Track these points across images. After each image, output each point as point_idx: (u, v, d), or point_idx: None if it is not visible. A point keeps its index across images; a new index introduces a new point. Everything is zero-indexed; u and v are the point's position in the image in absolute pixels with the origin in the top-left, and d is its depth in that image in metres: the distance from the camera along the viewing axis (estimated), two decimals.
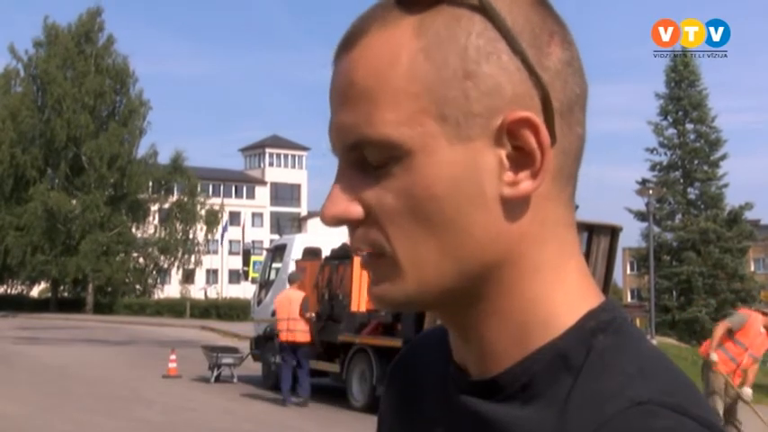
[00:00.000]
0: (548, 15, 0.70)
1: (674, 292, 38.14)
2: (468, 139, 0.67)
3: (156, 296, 55.40)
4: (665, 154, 39.69)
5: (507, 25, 0.67)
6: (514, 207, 0.68)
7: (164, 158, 56.37)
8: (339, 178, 0.71)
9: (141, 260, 55.61)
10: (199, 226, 55.95)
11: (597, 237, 12.03)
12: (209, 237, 56.91)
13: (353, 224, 0.70)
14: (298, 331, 13.56)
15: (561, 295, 0.70)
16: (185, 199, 55.41)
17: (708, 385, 9.24)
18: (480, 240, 0.68)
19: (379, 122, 0.67)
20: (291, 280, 14.13)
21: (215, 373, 16.58)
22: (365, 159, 0.69)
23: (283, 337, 13.62)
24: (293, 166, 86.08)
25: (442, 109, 0.67)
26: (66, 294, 56.42)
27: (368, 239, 0.70)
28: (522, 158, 0.67)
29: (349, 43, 0.70)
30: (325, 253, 15.68)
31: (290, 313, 13.54)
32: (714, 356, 9.09)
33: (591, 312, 0.70)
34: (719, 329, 9.29)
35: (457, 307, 0.71)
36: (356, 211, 0.69)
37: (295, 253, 16.54)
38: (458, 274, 0.69)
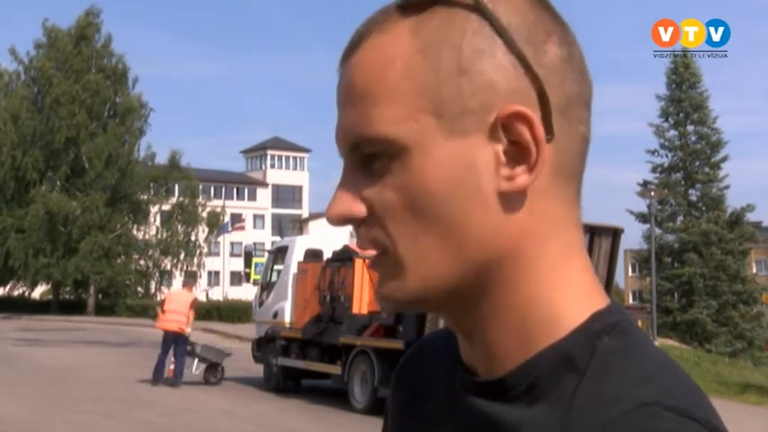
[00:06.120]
0: (545, 14, 0.71)
1: (676, 294, 38.09)
2: (463, 134, 0.68)
3: (158, 298, 55.32)
4: (667, 156, 39.68)
5: (502, 23, 0.68)
6: (512, 202, 0.69)
7: (163, 160, 56.40)
8: (343, 178, 0.72)
9: (143, 262, 55.57)
10: (200, 228, 55.94)
11: (599, 238, 12.04)
12: (211, 238, 56.88)
13: (357, 222, 0.71)
14: (183, 323, 16.25)
15: (564, 295, 0.70)
16: (186, 201, 55.38)
17: None
18: (479, 235, 0.68)
19: (376, 121, 0.69)
20: (186, 283, 18.35)
21: (195, 370, 16.65)
22: (367, 159, 0.70)
23: (172, 327, 16.24)
24: (294, 168, 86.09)
25: (438, 106, 0.68)
26: (67, 296, 56.43)
27: (370, 237, 0.71)
28: (518, 153, 0.68)
29: (352, 48, 0.72)
30: (327, 255, 15.69)
31: (180, 308, 16.31)
32: None
33: (597, 314, 0.70)
34: None
35: (460, 306, 0.72)
36: (359, 209, 0.71)
37: (296, 255, 16.53)
38: (459, 270, 0.69)
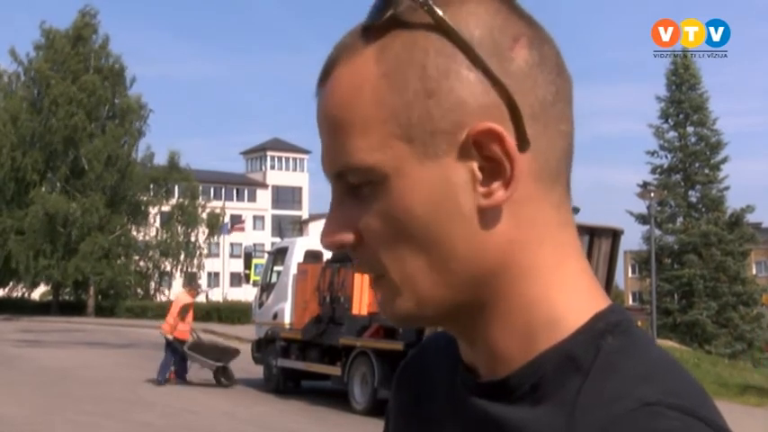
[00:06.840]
0: (512, 16, 0.71)
1: (676, 295, 38.06)
2: (436, 156, 0.68)
3: (158, 299, 55.32)
4: (666, 157, 39.63)
5: (464, 39, 0.68)
6: (495, 216, 0.69)
7: (163, 161, 56.43)
8: (333, 205, 0.73)
9: (142, 263, 55.58)
10: (200, 229, 55.96)
11: (599, 239, 12.04)
12: (211, 239, 56.86)
13: (350, 249, 0.72)
14: (166, 326, 16.76)
15: (564, 296, 0.70)
16: (186, 202, 55.40)
17: None
18: (466, 253, 0.69)
19: (354, 150, 0.69)
20: (187, 286, 18.62)
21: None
22: (353, 186, 0.71)
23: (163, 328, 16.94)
24: (294, 169, 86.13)
25: (408, 130, 0.68)
26: (67, 297, 56.43)
27: (364, 263, 0.72)
28: (493, 168, 0.68)
29: (324, 76, 0.73)
30: (327, 256, 15.68)
31: (172, 310, 16.78)
32: None
33: (599, 314, 0.70)
34: None
35: (462, 318, 0.72)
36: (348, 237, 0.72)
37: (296, 256, 16.53)
38: (453, 288, 0.70)
